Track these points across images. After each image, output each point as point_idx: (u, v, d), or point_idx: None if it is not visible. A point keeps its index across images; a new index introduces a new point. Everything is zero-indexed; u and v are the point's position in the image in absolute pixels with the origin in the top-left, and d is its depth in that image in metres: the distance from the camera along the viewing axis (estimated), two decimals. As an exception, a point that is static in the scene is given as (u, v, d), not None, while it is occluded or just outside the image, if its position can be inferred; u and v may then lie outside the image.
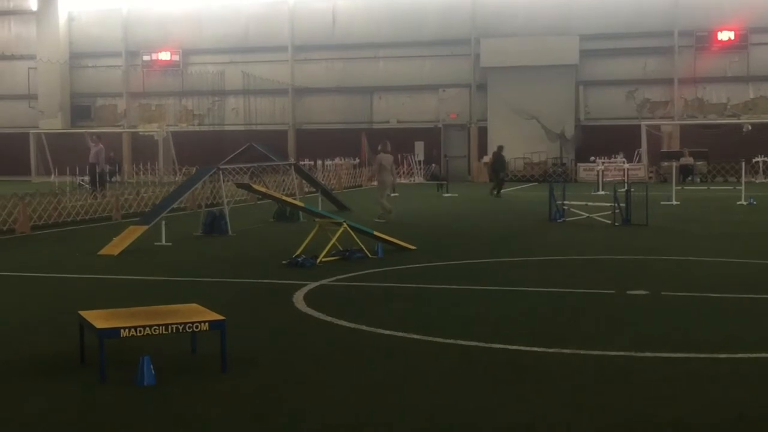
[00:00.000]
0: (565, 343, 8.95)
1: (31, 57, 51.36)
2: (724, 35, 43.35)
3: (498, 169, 33.92)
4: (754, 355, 8.52)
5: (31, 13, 52.07)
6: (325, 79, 48.47)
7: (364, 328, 9.89)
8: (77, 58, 52.01)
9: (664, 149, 42.90)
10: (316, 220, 16.55)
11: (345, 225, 15.72)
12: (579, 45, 44.01)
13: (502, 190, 32.93)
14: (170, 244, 18.08)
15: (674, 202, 27.32)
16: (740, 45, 43.42)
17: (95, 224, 22.70)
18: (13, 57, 51.51)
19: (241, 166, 27.31)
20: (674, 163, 33.72)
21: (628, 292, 12.01)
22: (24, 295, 12.63)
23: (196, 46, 49.65)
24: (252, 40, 48.88)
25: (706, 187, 34.48)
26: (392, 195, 33.33)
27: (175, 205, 21.00)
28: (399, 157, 45.10)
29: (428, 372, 8.09)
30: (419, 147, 46.57)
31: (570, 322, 10.30)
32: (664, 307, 11.15)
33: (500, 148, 34.66)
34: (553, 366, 8.25)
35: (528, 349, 8.82)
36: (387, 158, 24.16)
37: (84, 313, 8.37)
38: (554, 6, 44.64)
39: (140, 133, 51.06)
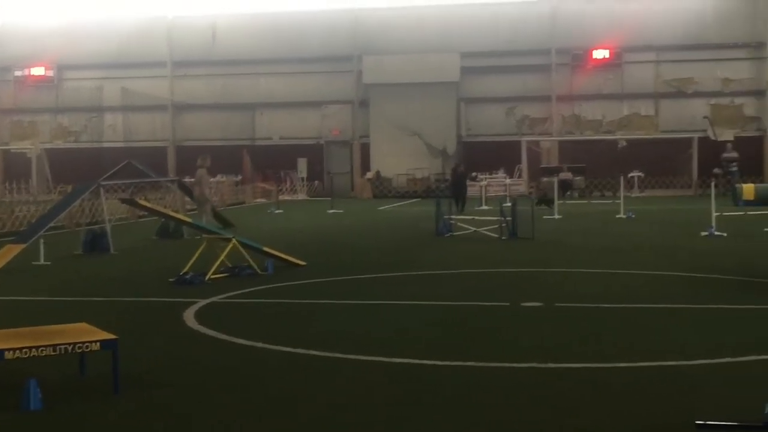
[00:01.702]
0: (466, 356, 8.83)
1: None
2: (599, 54, 44.53)
3: (457, 187, 31.86)
4: (651, 364, 8.56)
5: None
6: (206, 96, 47.82)
7: (260, 345, 9.59)
8: (-56, 73, 50.06)
9: (544, 164, 43.72)
10: (204, 236, 16.14)
11: (234, 241, 15.36)
12: (460, 62, 44.56)
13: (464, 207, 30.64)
14: (49, 263, 17.39)
15: (556, 216, 27.76)
16: (614, 63, 44.68)
17: (-33, 244, 21.68)
18: None
19: (122, 182, 26.53)
20: (554, 178, 34.35)
21: (523, 304, 12.01)
22: None
23: (72, 61, 48.37)
24: (130, 56, 47.86)
25: (585, 202, 35.27)
26: (276, 212, 33.06)
27: (51, 224, 20.23)
28: (282, 173, 44.95)
29: (330, 388, 7.85)
30: (302, 164, 46.34)
31: (468, 335, 10.21)
32: (560, 318, 11.18)
33: (457, 164, 33.60)
34: (456, 379, 8.12)
35: (429, 362, 8.66)
36: (204, 173, 23.72)
37: (-37, 335, 7.85)
38: (435, 24, 45.09)
39: (12, 151, 49.34)
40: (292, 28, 46.58)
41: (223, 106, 47.74)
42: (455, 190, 31.62)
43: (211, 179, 39.92)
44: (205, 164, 23.67)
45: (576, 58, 44.86)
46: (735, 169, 40.66)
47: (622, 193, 30.50)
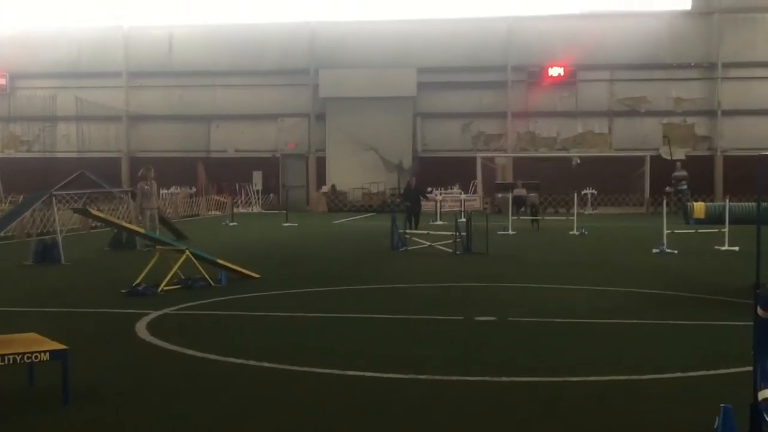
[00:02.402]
0: (420, 369, 8.84)
1: None
2: (555, 71, 44.84)
3: (413, 202, 29.06)
4: (603, 378, 8.64)
5: None
6: (162, 107, 47.47)
7: (213, 357, 9.53)
8: None
9: (499, 181, 43.91)
10: (157, 247, 16.02)
11: (187, 252, 15.26)
12: (417, 77, 44.68)
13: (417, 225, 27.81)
14: (-1, 273, 17.17)
15: (510, 232, 27.91)
16: (569, 81, 45.00)
17: None
18: None
19: (75, 192, 26.25)
20: (509, 195, 34.53)
21: (476, 318, 12.05)
22: None
23: (25, 69, 47.78)
24: (85, 65, 47.40)
25: (539, 218, 35.41)
26: (231, 224, 32.89)
27: (1, 234, 19.99)
28: (237, 186, 44.73)
29: (284, 401, 7.82)
30: (257, 176, 46.13)
31: (423, 348, 10.21)
32: (513, 332, 11.23)
33: (411, 179, 30.99)
34: (411, 392, 8.12)
35: (384, 375, 8.66)
36: (143, 185, 23.56)
37: None
38: (392, 39, 45.19)
39: (-38, 160, 48.66)
40: (249, 41, 46.43)
41: (178, 118, 47.40)
42: (408, 206, 29.44)
43: (166, 191, 39.79)
44: (148, 177, 23.42)
45: (531, 75, 45.14)
46: (684, 187, 41.14)
47: (575, 209, 30.79)
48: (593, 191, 42.55)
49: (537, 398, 7.90)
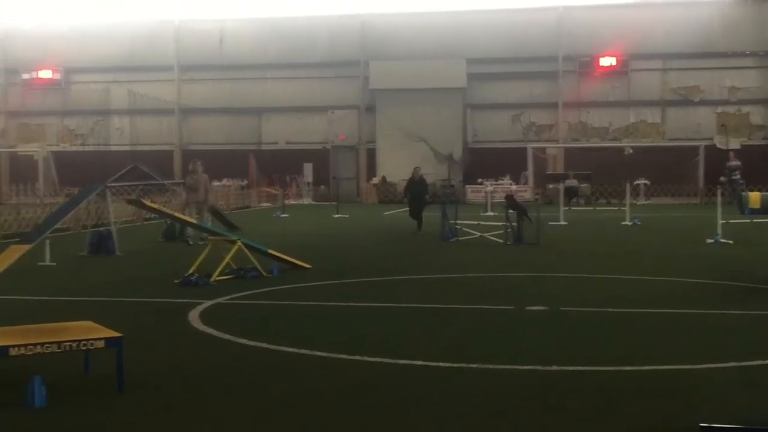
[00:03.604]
0: (470, 359, 8.82)
1: None
2: (606, 61, 44.46)
3: (416, 197, 25.96)
4: (656, 368, 8.55)
5: None
6: (213, 100, 47.84)
7: (265, 345, 9.59)
8: (-48, 75, 50.18)
9: (550, 171, 43.65)
10: (210, 238, 16.16)
11: (239, 243, 15.37)
12: (466, 68, 44.54)
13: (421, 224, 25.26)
14: (54, 264, 17.41)
15: (562, 223, 27.72)
16: (621, 71, 44.59)
17: (-27, 245, 21.71)
18: None
19: (129, 184, 26.57)
20: (560, 185, 34.29)
21: (528, 307, 12.00)
22: None
23: (79, 64, 48.43)
24: (137, 59, 47.92)
25: (591, 208, 35.21)
26: (282, 216, 33.07)
27: (57, 226, 20.25)
28: (288, 178, 44.94)
29: (336, 390, 7.84)
30: (308, 168, 46.29)
31: (473, 338, 10.20)
32: (565, 322, 11.16)
33: (416, 169, 27.22)
34: (461, 381, 8.11)
35: (435, 364, 8.65)
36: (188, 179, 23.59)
37: (-32, 332, 7.85)
38: (442, 30, 45.11)
39: (19, 153, 49.44)
40: (299, 34, 46.62)
41: (229, 111, 47.76)
42: (411, 202, 26.33)
43: (218, 183, 40.07)
44: (196, 170, 23.52)
45: (583, 65, 44.78)
46: (737, 177, 40.56)
47: (627, 200, 30.47)
48: (646, 181, 42.13)
49: (589, 388, 7.84)
